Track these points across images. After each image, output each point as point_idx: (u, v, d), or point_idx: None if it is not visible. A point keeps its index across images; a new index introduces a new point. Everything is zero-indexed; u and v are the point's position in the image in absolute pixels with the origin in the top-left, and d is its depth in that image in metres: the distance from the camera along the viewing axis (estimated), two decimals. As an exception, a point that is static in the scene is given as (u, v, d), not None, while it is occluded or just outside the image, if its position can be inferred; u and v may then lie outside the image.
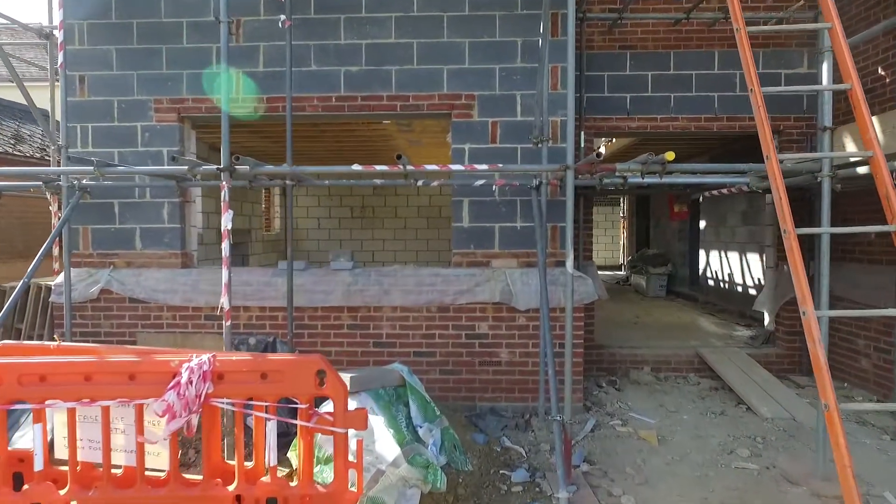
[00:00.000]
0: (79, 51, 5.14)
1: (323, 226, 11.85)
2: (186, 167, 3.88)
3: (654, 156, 3.50)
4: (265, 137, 7.82)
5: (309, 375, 2.71)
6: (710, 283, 9.20)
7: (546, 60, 4.52)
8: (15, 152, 7.70)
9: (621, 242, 17.61)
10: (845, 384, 5.52)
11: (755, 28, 3.52)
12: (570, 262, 3.52)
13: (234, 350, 5.09)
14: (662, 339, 6.63)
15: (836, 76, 3.32)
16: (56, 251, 6.13)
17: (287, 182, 4.75)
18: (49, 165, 8.67)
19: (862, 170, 3.31)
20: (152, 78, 5.12)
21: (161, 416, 2.56)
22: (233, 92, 5.09)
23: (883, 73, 5.18)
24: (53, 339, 2.87)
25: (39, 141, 8.95)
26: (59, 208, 6.19)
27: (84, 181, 4.85)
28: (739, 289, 8.26)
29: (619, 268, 17.50)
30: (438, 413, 3.78)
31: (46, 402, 2.59)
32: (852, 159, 3.51)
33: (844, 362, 5.55)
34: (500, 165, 4.01)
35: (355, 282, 4.98)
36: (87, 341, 5.14)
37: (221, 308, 3.66)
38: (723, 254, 8.73)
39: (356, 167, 3.93)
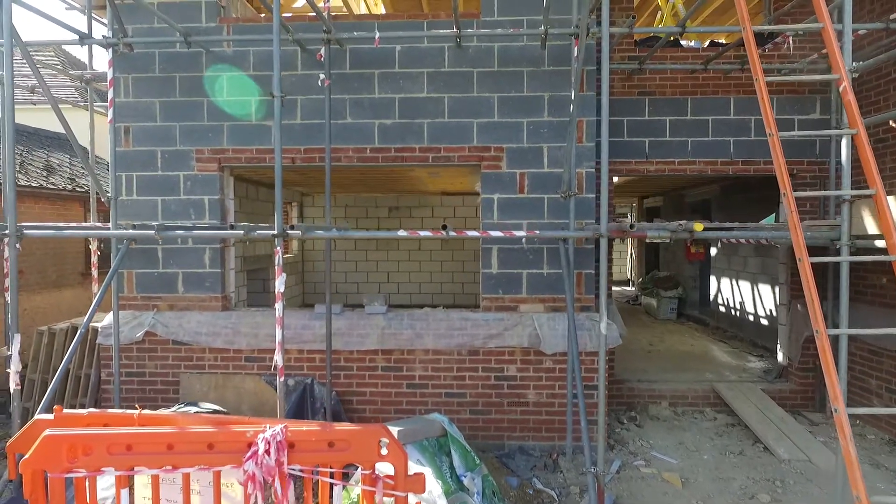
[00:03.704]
0: (124, 103, 5.38)
1: (339, 247, 12.08)
2: (242, 232, 4.12)
3: (683, 225, 3.74)
4: (292, 171, 8.08)
5: (373, 444, 2.93)
6: (722, 308, 9.42)
7: (574, 116, 4.76)
8: (48, 185, 7.93)
9: (629, 257, 17.84)
10: (858, 421, 5.75)
11: (772, 77, 3.75)
12: (603, 325, 3.74)
13: (274, 390, 5.34)
14: (678, 372, 6.85)
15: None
16: (95, 287, 6.38)
17: (332, 236, 4.96)
18: (79, 196, 8.92)
19: (880, 243, 3.53)
20: (194, 129, 5.37)
21: (242, 485, 2.80)
22: (272, 142, 5.35)
23: None
24: (135, 408, 3.11)
25: (69, 171, 9.19)
26: (98, 247, 6.45)
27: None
28: (751, 318, 8.48)
29: (627, 283, 17.73)
30: (478, 462, 4.01)
31: (133, 469, 2.82)
32: (871, 232, 3.73)
33: (858, 401, 5.77)
34: (538, 232, 4.26)
35: (389, 325, 5.22)
36: (133, 381, 5.39)
37: (275, 366, 3.88)
38: (734, 281, 8.96)
39: (402, 233, 4.16)
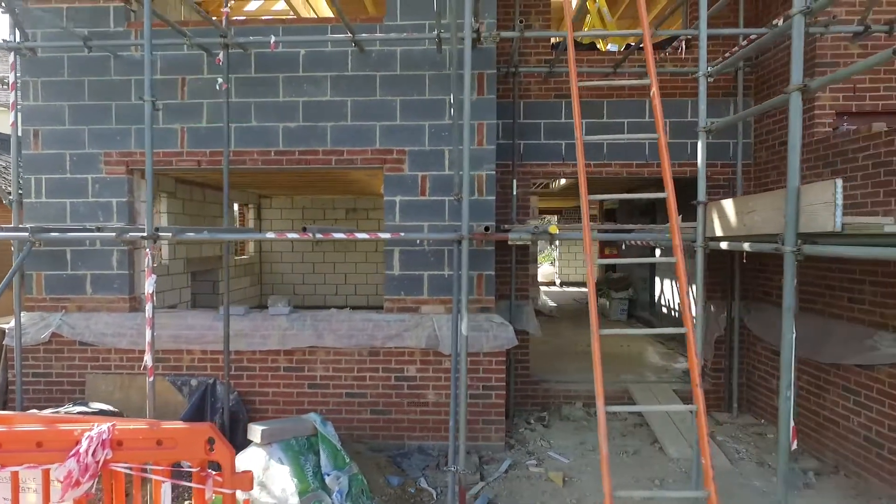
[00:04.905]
0: (34, 106, 5.44)
1: (297, 248, 12.15)
2: (114, 234, 4.18)
3: (539, 227, 3.80)
4: (239, 174, 8.11)
5: (199, 442, 2.99)
6: (664, 310, 9.48)
7: (468, 118, 4.79)
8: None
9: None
10: (762, 420, 5.81)
11: (584, 83, 3.84)
12: (464, 325, 3.80)
13: (178, 391, 5.40)
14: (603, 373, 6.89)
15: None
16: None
17: (202, 238, 5.02)
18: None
19: (724, 244, 3.61)
20: (102, 132, 5.43)
21: (61, 482, 2.86)
22: (178, 146, 5.42)
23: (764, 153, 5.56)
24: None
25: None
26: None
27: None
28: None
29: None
30: (348, 460, 4.07)
31: (-41, 468, 2.88)
32: (718, 234, 3.79)
33: (763, 401, 5.83)
34: (402, 235, 4.33)
35: (291, 326, 5.28)
36: (39, 382, 5.45)
37: (145, 366, 3.94)
38: (674, 283, 9.01)
39: (270, 234, 4.22)
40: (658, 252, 9.69)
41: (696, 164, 6.20)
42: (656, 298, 9.94)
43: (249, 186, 10.50)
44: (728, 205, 3.49)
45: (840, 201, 2.37)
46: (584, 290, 16.32)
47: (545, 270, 19.20)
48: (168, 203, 7.78)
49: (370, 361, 5.29)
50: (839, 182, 2.37)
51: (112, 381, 5.39)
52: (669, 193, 3.03)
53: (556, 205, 16.54)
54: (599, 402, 2.60)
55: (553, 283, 18.27)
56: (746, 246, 3.20)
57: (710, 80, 3.75)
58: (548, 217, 17.90)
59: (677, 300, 8.91)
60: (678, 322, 8.88)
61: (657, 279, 9.83)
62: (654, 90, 3.17)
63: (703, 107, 3.68)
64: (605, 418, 2.60)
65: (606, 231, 5.32)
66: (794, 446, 2.73)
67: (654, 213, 9.88)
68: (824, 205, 2.43)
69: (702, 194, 3.71)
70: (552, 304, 12.91)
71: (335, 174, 8.17)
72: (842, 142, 4.63)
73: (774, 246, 2.77)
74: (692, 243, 3.84)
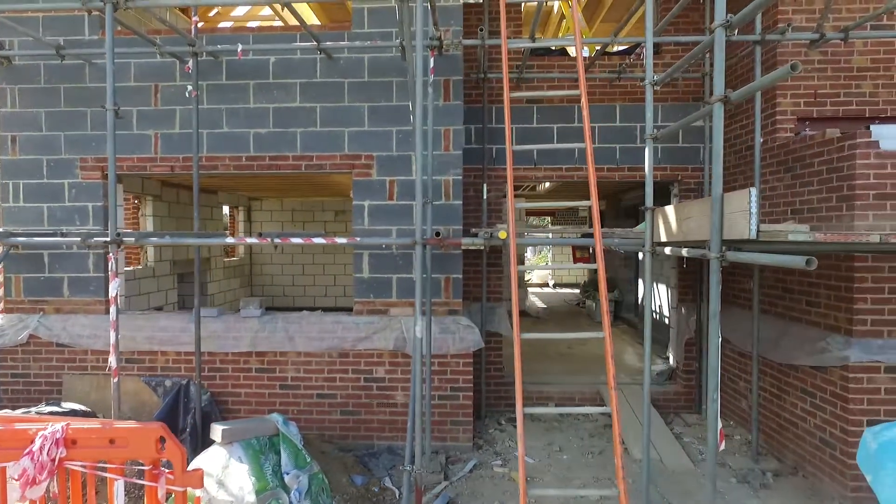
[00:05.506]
0: (11, 113, 5.56)
1: (287, 250, 12.25)
2: (79, 238, 4.29)
3: (491, 233, 3.89)
4: (228, 178, 8.22)
5: (151, 441, 3.09)
6: (646, 311, 9.53)
7: (431, 123, 4.89)
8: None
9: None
10: (730, 422, 5.87)
11: (517, 94, 3.97)
12: (418, 328, 3.89)
13: (153, 391, 5.51)
14: (579, 374, 6.98)
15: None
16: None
17: (164, 243, 5.11)
18: None
19: (667, 250, 3.68)
20: (78, 138, 5.54)
21: (17, 480, 2.97)
22: (152, 151, 5.52)
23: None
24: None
25: None
26: None
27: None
28: (666, 321, 8.58)
29: (589, 285, 17.84)
30: (309, 460, 4.16)
31: (-83, 466, 2.98)
32: (663, 239, 3.87)
33: (731, 403, 5.90)
34: (359, 239, 4.41)
35: (263, 328, 5.37)
36: (18, 382, 5.56)
37: (109, 368, 4.04)
38: (656, 284, 9.07)
39: (230, 240, 4.32)
40: (640, 255, 9.77)
41: (665, 168, 6.34)
42: (639, 300, 9.99)
43: (237, 189, 10.61)
44: (670, 211, 3.57)
45: (755, 209, 2.44)
46: (575, 291, 16.37)
47: (539, 272, 19.26)
48: (153, 206, 7.91)
49: (340, 363, 5.38)
50: (753, 191, 2.45)
51: (88, 381, 5.50)
52: (594, 201, 3.11)
53: (549, 206, 16.61)
54: (518, 404, 2.69)
55: (546, 285, 18.33)
56: (685, 252, 3.28)
57: (657, 87, 3.81)
58: (548, 218, 17.96)
59: (657, 302, 8.97)
60: (659, 325, 8.93)
61: (640, 281, 9.88)
62: (584, 101, 3.25)
63: (649, 114, 3.75)
64: (524, 419, 2.68)
65: (542, 235, 5.43)
66: (723, 447, 2.80)
67: (636, 214, 9.93)
68: (742, 213, 2.50)
69: (649, 200, 3.78)
70: (541, 305, 12.99)
71: (317, 178, 8.25)
72: (799, 147, 4.70)
73: (702, 252, 2.84)
74: (642, 248, 3.91)
